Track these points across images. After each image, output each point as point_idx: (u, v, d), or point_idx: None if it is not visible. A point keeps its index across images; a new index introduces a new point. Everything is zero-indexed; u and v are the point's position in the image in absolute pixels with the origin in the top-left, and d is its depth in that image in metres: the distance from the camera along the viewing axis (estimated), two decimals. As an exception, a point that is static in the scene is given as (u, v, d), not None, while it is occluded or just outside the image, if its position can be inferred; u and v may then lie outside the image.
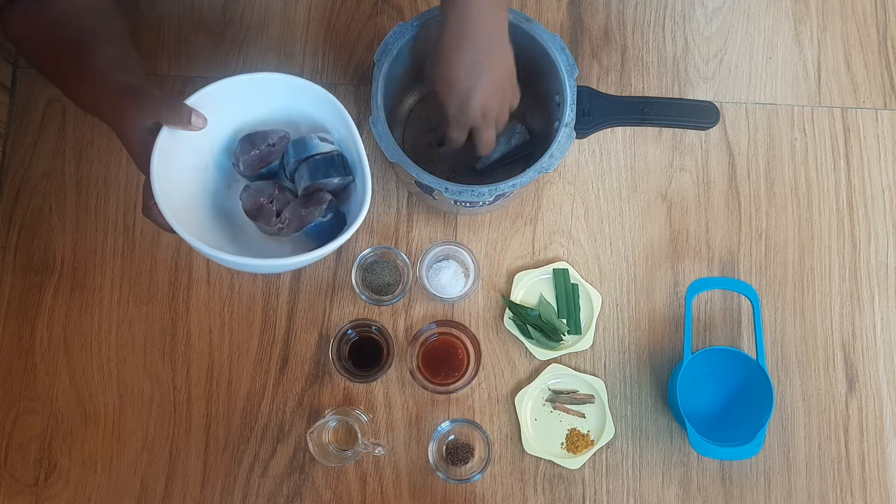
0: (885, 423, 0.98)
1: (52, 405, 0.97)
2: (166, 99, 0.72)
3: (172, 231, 0.75)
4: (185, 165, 0.76)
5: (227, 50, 1.06)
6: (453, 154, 0.95)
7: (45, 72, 0.80)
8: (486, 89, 0.80)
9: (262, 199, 0.79)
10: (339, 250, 1.00)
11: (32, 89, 1.05)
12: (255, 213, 0.80)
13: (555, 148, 0.86)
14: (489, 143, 0.87)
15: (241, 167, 0.80)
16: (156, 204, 0.73)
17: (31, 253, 1.01)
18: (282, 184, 0.83)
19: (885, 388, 0.99)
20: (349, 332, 0.96)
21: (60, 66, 0.76)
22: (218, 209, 0.81)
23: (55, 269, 1.00)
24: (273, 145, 0.80)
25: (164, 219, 0.74)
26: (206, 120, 0.75)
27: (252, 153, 0.80)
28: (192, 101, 0.74)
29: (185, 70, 1.06)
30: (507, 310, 0.98)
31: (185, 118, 0.73)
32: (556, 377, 0.97)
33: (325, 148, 0.80)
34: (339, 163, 0.80)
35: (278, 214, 0.79)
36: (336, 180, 0.80)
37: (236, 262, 0.71)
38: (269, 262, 0.74)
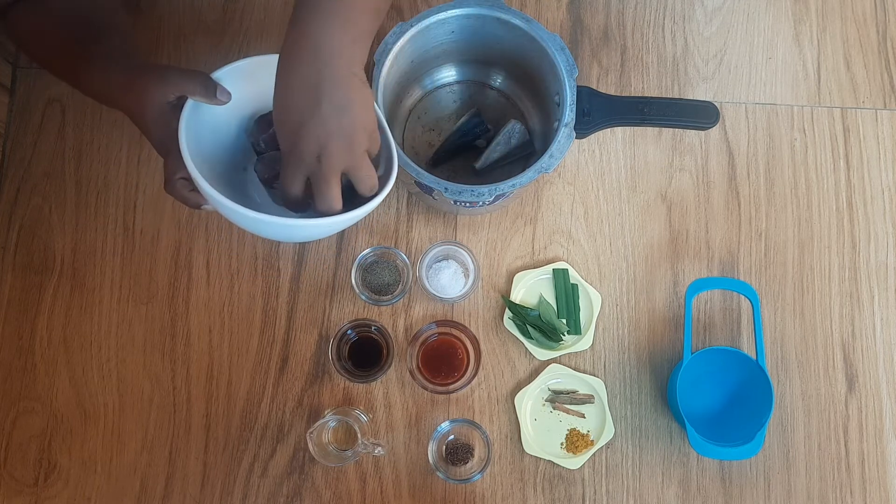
0: (885, 423, 0.98)
1: (52, 405, 0.97)
2: (192, 71, 0.72)
3: (196, 205, 0.75)
4: (205, 143, 0.77)
5: (227, 50, 1.06)
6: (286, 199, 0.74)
7: (52, 67, 0.80)
8: (325, 126, 0.62)
9: (278, 167, 0.79)
10: (339, 250, 1.00)
11: (32, 89, 1.05)
12: (271, 181, 0.80)
13: (555, 148, 0.86)
14: (328, 200, 0.68)
15: (262, 145, 0.80)
16: (180, 178, 0.73)
17: (31, 253, 1.01)
18: None
19: (884, 388, 0.99)
20: (349, 332, 0.96)
21: (69, 58, 0.77)
22: (236, 188, 0.82)
23: (55, 269, 1.00)
24: None
25: (188, 191, 0.73)
26: (230, 95, 0.75)
27: (271, 131, 0.80)
28: (216, 76, 0.75)
29: (185, 70, 1.06)
30: (507, 310, 0.98)
31: (210, 91, 0.73)
32: (556, 377, 0.97)
33: None
34: None
35: None
36: None
37: (277, 222, 0.68)
38: (311, 223, 0.69)
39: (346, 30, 0.61)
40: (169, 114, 0.72)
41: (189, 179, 0.71)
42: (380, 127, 0.77)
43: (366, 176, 0.69)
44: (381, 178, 0.79)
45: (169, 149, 0.72)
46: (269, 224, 0.70)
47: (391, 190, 1.01)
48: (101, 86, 0.75)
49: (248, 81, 0.78)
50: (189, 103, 0.72)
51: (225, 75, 0.76)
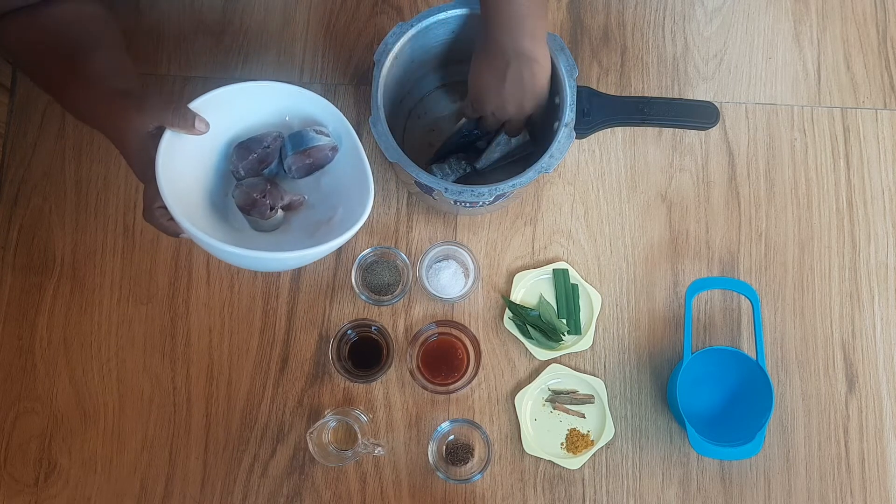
0: (885, 423, 0.98)
1: (52, 405, 0.97)
2: (170, 102, 0.72)
3: (175, 234, 0.75)
4: (185, 171, 0.76)
5: (226, 50, 1.06)
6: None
7: (41, 82, 0.80)
8: (502, 96, 0.87)
9: (254, 195, 0.80)
10: (339, 250, 1.00)
11: (32, 89, 1.04)
12: (248, 208, 0.80)
13: (555, 148, 0.86)
14: (489, 128, 0.95)
15: (242, 172, 0.80)
16: (159, 206, 0.72)
17: (31, 253, 1.01)
18: (276, 180, 0.83)
19: (885, 388, 0.99)
20: (349, 332, 0.96)
21: (57, 74, 0.76)
22: (218, 215, 0.81)
23: (55, 269, 1.00)
24: (268, 147, 0.81)
25: (167, 220, 0.73)
26: (208, 125, 0.75)
27: (250, 158, 0.80)
28: (193, 105, 0.74)
29: (185, 70, 1.06)
30: (507, 310, 0.98)
31: (189, 121, 0.73)
32: (556, 377, 0.97)
33: (323, 141, 0.80)
34: (320, 130, 0.81)
35: (272, 209, 0.80)
36: (324, 140, 0.80)
37: (253, 256, 0.71)
38: (286, 256, 0.73)
39: (523, 34, 0.81)
40: (148, 142, 0.71)
41: (167, 208, 0.71)
42: (359, 159, 0.79)
43: (517, 129, 0.93)
44: (351, 214, 0.78)
45: (149, 177, 0.71)
46: (241, 256, 0.71)
47: (392, 191, 1.02)
48: (83, 108, 0.75)
49: (227, 109, 0.78)
50: (167, 134, 0.72)
51: (203, 104, 0.75)
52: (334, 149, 0.82)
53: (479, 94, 0.89)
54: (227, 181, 0.83)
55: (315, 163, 0.82)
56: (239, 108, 0.79)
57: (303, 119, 0.82)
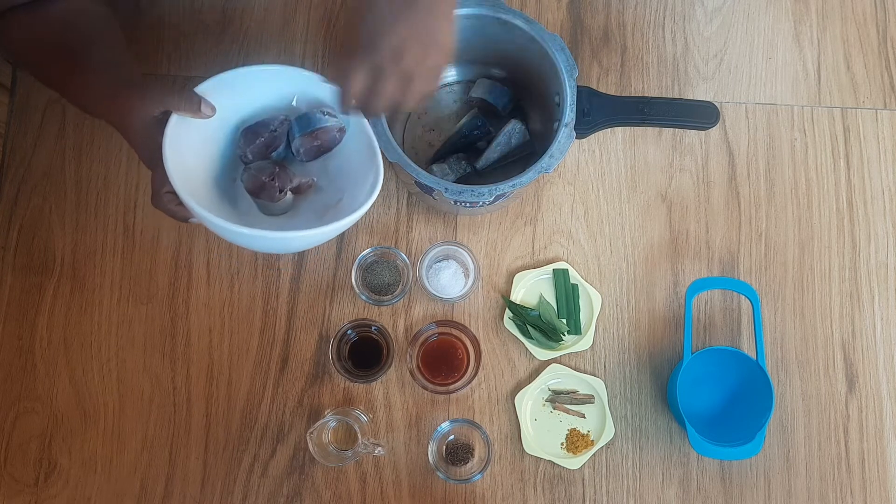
0: (885, 423, 0.98)
1: (52, 405, 0.97)
2: (175, 87, 0.73)
3: (184, 219, 0.76)
4: (192, 156, 0.77)
5: (227, 50, 1.06)
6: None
7: (43, 76, 0.80)
8: (412, 27, 0.65)
9: (263, 178, 0.80)
10: (339, 250, 1.00)
11: (32, 89, 1.04)
12: (257, 191, 0.80)
13: (555, 148, 0.86)
14: (386, 97, 0.70)
15: (250, 156, 0.81)
16: (167, 191, 0.73)
17: (31, 253, 1.01)
18: (285, 163, 0.83)
19: (885, 388, 0.99)
20: (349, 332, 0.96)
21: (59, 68, 0.77)
22: (226, 200, 0.82)
23: (55, 269, 1.00)
24: (275, 130, 0.81)
25: (175, 205, 0.74)
26: (214, 109, 0.75)
27: (258, 142, 0.80)
28: (199, 90, 0.75)
29: (185, 70, 1.06)
30: (507, 310, 0.98)
31: (195, 105, 0.73)
32: (556, 377, 0.97)
33: (330, 122, 0.80)
34: (327, 112, 0.81)
35: (281, 191, 0.80)
36: (332, 121, 0.80)
37: (264, 236, 0.71)
38: (296, 234, 0.74)
39: None
40: (154, 128, 0.72)
41: (176, 193, 0.72)
42: (366, 137, 0.80)
43: (418, 91, 0.69)
44: (360, 194, 0.79)
45: (156, 163, 0.72)
46: (252, 237, 0.71)
47: (392, 191, 1.02)
48: (88, 98, 0.75)
49: (233, 93, 0.78)
50: (173, 118, 0.72)
51: (209, 88, 0.76)
52: (342, 130, 0.82)
53: (376, 20, 0.66)
54: (234, 166, 0.83)
55: (323, 145, 0.82)
56: (245, 92, 0.80)
57: (309, 102, 0.83)
